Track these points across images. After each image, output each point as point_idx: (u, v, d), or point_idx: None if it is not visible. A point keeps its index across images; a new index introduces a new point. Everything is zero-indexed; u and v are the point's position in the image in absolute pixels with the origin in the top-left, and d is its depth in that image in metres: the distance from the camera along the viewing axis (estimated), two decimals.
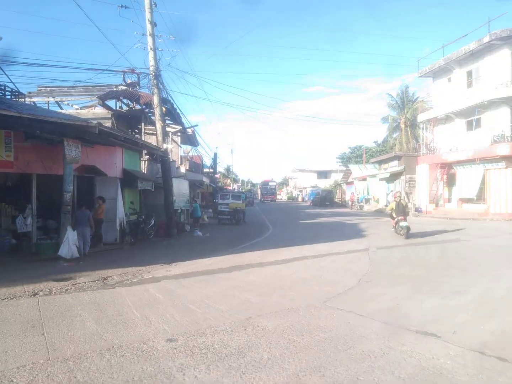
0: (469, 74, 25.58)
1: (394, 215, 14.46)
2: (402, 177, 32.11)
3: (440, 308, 5.65)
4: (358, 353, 4.03)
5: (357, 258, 10.27)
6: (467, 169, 24.88)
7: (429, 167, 28.38)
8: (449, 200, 27.58)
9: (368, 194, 39.10)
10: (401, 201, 14.59)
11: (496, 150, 21.96)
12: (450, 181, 27.42)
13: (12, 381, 3.54)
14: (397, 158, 33.96)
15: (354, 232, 17.22)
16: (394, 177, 33.61)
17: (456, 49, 25.91)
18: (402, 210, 14.25)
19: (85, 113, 16.13)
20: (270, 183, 72.63)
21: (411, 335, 4.53)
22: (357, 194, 41.91)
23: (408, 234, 13.73)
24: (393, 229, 14.63)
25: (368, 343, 4.32)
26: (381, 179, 36.36)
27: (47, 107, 16.74)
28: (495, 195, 22.65)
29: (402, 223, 13.94)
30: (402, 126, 47.24)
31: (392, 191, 34.36)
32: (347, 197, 48.84)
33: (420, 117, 31.47)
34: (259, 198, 77.37)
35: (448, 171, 27.37)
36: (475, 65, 24.91)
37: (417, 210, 28.45)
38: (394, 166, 34.29)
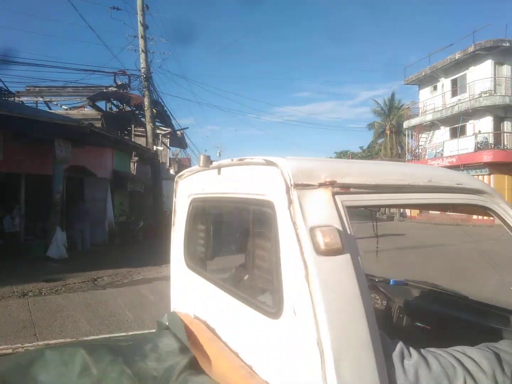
0: (454, 82, 26.17)
1: None
2: None
3: None
4: None
5: None
6: None
7: None
8: None
9: None
10: None
11: (479, 157, 22.50)
12: None
13: None
14: None
15: None
16: None
17: (442, 58, 26.55)
18: None
19: (75, 114, 15.94)
20: None
21: None
22: None
23: None
24: None
25: None
26: None
27: (35, 107, 16.53)
28: None
29: None
30: (388, 132, 47.90)
31: None
32: None
33: (406, 124, 32.01)
34: None
35: None
36: (460, 74, 25.50)
37: (402, 215, 28.84)
38: None
